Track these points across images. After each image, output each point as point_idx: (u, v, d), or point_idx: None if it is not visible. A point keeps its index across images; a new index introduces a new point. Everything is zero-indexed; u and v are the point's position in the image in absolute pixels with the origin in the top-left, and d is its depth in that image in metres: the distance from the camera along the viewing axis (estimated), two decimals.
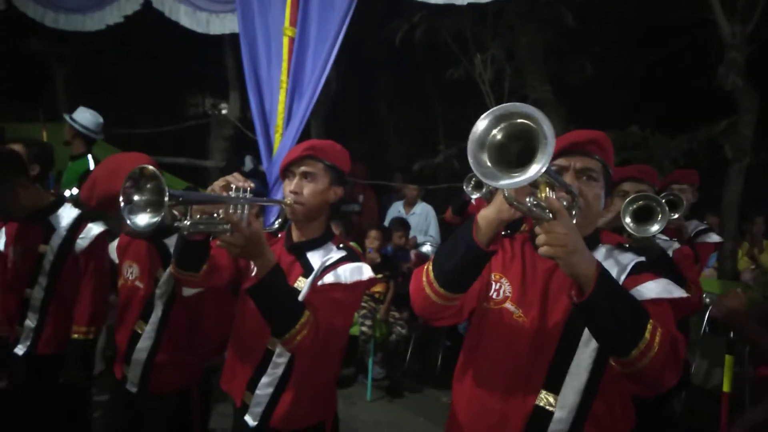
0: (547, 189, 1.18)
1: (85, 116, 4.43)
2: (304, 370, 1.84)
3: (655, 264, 1.48)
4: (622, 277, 1.41)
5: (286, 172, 1.91)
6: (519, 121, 1.13)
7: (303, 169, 1.87)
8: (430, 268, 1.42)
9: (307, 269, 1.85)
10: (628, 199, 2.28)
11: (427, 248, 5.98)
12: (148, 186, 1.42)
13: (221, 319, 2.28)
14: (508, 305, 1.48)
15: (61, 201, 2.53)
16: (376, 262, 4.78)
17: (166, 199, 1.35)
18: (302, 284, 1.80)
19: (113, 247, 2.40)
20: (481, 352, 1.52)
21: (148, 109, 9.85)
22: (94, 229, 2.46)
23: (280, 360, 1.83)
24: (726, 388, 2.72)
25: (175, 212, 2.17)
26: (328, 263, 1.82)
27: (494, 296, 1.51)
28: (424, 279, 1.42)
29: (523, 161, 1.10)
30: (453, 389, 1.61)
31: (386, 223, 6.09)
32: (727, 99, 5.51)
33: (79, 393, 2.48)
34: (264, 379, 1.83)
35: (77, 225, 2.47)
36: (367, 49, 7.35)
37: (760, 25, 5.29)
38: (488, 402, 1.47)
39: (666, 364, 1.22)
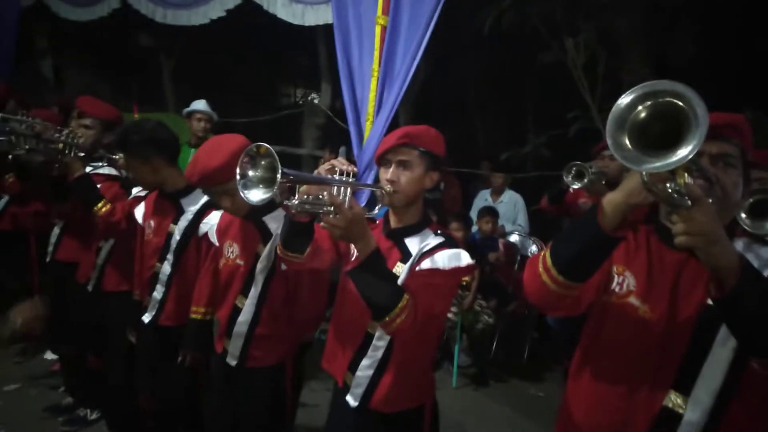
0: (686, 175, 1.10)
1: (207, 105, 5.03)
2: (403, 354, 1.87)
3: None
4: (765, 272, 1.29)
5: (382, 160, 1.94)
6: (667, 99, 1.07)
7: (399, 157, 1.89)
8: (548, 254, 1.36)
9: (405, 255, 1.87)
10: (749, 192, 2.12)
11: (515, 237, 5.87)
12: (263, 163, 1.49)
13: (317, 293, 2.39)
14: (632, 299, 1.41)
15: (194, 186, 2.71)
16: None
17: (279, 176, 1.41)
18: (400, 269, 1.83)
19: (213, 230, 2.52)
20: (602, 348, 1.46)
21: (244, 100, 10.33)
22: (217, 216, 2.60)
23: (379, 343, 1.88)
24: None
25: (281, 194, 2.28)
26: (425, 249, 1.83)
27: (617, 290, 1.44)
28: (541, 266, 1.37)
29: (666, 143, 1.03)
30: (567, 386, 1.56)
31: (474, 211, 6.03)
32: None
33: (196, 371, 2.62)
34: (364, 361, 1.89)
35: (203, 211, 2.65)
36: (457, 36, 7.26)
37: None
38: (610, 401, 1.41)
39: None
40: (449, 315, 4.63)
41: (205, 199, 2.66)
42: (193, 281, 2.62)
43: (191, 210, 2.66)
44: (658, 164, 1.03)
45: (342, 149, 6.76)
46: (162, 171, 2.68)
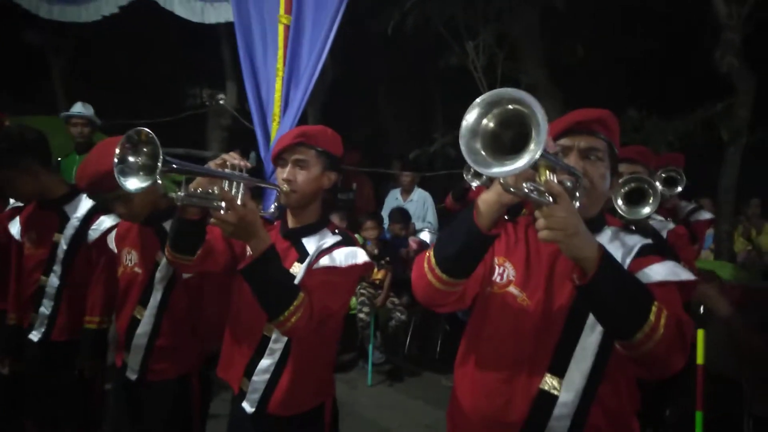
0: (547, 172, 1.15)
1: (88, 108, 4.64)
2: (300, 355, 1.84)
3: (660, 246, 1.46)
4: (628, 260, 1.38)
5: (279, 159, 1.91)
6: (510, 107, 1.09)
7: (295, 156, 1.87)
8: (432, 254, 1.39)
9: (302, 254, 1.85)
10: (619, 182, 2.29)
11: (425, 234, 6.01)
12: (145, 150, 1.40)
13: (223, 303, 2.28)
14: (512, 289, 1.47)
15: (76, 191, 2.54)
16: (375, 253, 4.81)
17: (160, 163, 1.32)
18: (297, 269, 1.81)
19: (111, 236, 2.39)
20: (485, 336, 1.50)
21: (145, 101, 9.83)
22: (106, 221, 2.46)
23: (276, 346, 1.83)
24: (700, 360, 2.75)
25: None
26: (323, 247, 1.83)
27: (498, 280, 1.50)
28: (426, 266, 1.39)
29: (517, 148, 1.07)
30: (455, 374, 1.60)
31: (385, 210, 6.11)
32: (724, 81, 5.51)
33: (91, 382, 2.49)
34: (261, 365, 1.84)
35: (90, 216, 2.48)
36: (363, 37, 7.32)
37: (757, 6, 5.27)
38: (492, 386, 1.45)
39: (672, 348, 1.20)
40: (361, 315, 4.67)
41: (90, 203, 2.50)
42: (85, 291, 2.46)
43: (76, 217, 2.48)
44: (503, 169, 1.06)
45: (252, 155, 6.61)
46: (41, 177, 2.46)
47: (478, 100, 1.11)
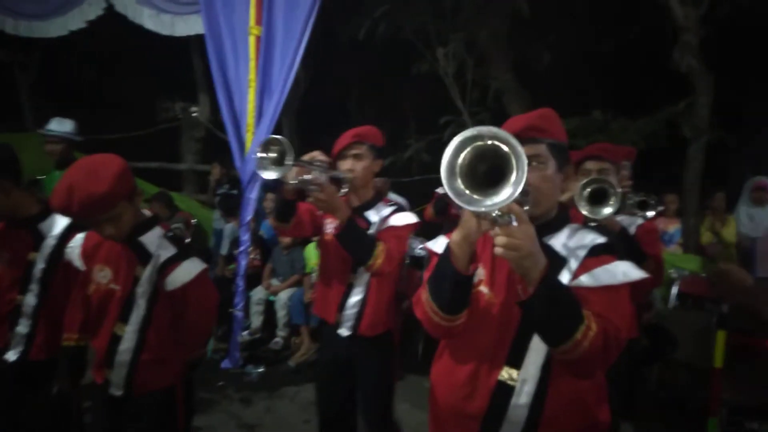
0: None
1: (65, 125, 4.45)
2: (378, 289, 2.49)
3: (616, 245, 1.51)
4: (579, 258, 1.45)
5: (339, 156, 2.50)
6: (489, 143, 1.17)
7: (352, 152, 2.48)
8: (431, 299, 1.50)
9: (368, 223, 2.47)
10: (581, 184, 2.35)
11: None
12: (273, 148, 2.12)
13: (206, 311, 2.29)
14: (482, 288, 1.55)
15: (50, 209, 2.47)
16: None
17: (291, 161, 2.06)
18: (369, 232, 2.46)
19: (75, 254, 2.33)
20: (459, 333, 1.57)
21: (116, 115, 9.71)
22: (80, 239, 2.37)
23: (358, 289, 2.49)
24: (718, 363, 2.77)
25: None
26: (383, 215, 2.48)
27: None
28: (429, 310, 1.51)
29: (493, 180, 1.16)
30: (432, 369, 1.68)
31: None
32: (684, 81, 5.71)
33: (71, 399, 2.46)
34: (350, 302, 2.48)
35: (66, 234, 2.43)
36: (334, 45, 7.38)
37: (712, 8, 5.48)
38: (460, 377, 1.54)
39: (593, 360, 1.31)
40: None
41: (65, 221, 2.45)
42: (62, 309, 2.43)
43: (53, 236, 2.43)
44: (490, 203, 1.15)
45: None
46: (13, 194, 2.38)
47: (454, 139, 1.19)
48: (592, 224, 1.58)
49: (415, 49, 6.64)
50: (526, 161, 1.12)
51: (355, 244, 2.33)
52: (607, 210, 2.27)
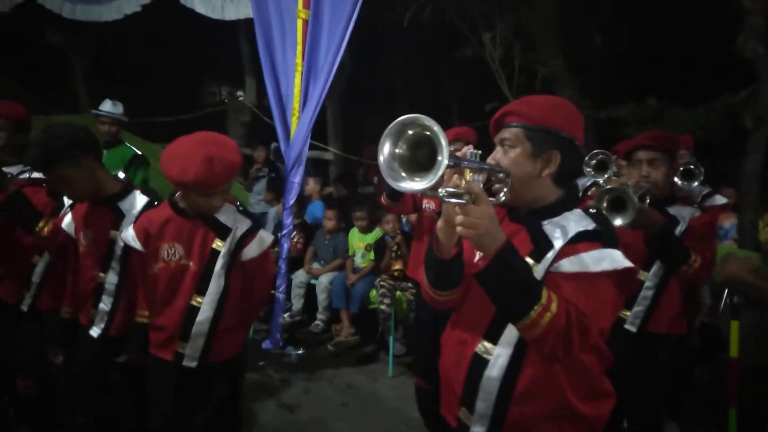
0: (470, 174, 1.30)
1: (118, 107, 4.68)
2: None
3: (598, 233, 1.47)
4: (560, 244, 1.43)
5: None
6: (411, 132, 1.22)
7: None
8: (425, 279, 1.59)
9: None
10: (602, 189, 2.35)
11: None
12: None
13: (269, 280, 2.46)
14: (480, 263, 1.55)
15: (130, 187, 2.56)
16: (396, 243, 4.82)
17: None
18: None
19: (130, 236, 2.36)
20: (462, 308, 1.66)
21: (165, 98, 9.97)
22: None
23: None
24: (733, 353, 2.72)
25: None
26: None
27: (474, 260, 1.63)
28: (429, 290, 1.60)
29: (431, 163, 1.19)
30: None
31: None
32: (748, 67, 5.42)
33: (139, 375, 2.48)
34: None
35: (146, 212, 2.45)
36: (381, 29, 7.33)
37: None
38: (452, 345, 1.64)
39: (553, 342, 1.32)
40: (382, 307, 4.70)
41: (145, 200, 2.50)
42: (137, 287, 2.50)
43: (133, 213, 2.46)
44: (415, 185, 1.20)
45: (273, 145, 6.66)
46: (98, 174, 2.42)
47: (383, 136, 1.25)
48: (591, 210, 1.53)
49: (460, 34, 6.51)
50: (444, 140, 1.14)
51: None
52: (618, 221, 2.23)
